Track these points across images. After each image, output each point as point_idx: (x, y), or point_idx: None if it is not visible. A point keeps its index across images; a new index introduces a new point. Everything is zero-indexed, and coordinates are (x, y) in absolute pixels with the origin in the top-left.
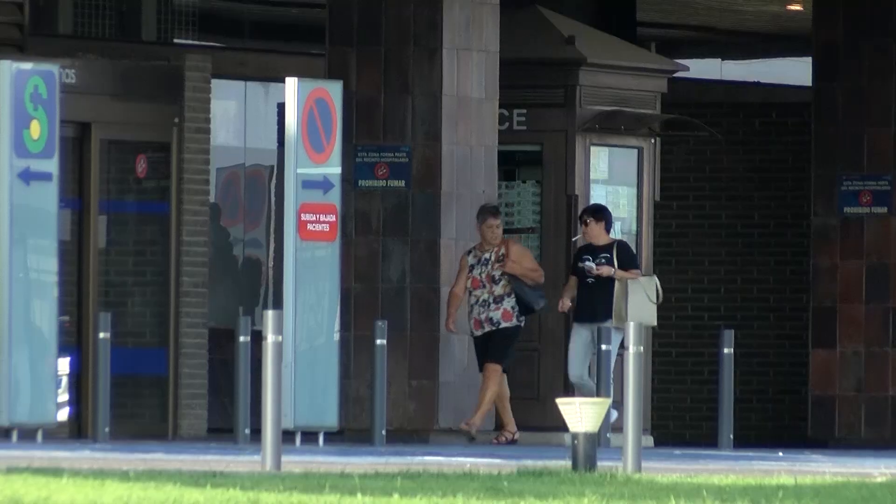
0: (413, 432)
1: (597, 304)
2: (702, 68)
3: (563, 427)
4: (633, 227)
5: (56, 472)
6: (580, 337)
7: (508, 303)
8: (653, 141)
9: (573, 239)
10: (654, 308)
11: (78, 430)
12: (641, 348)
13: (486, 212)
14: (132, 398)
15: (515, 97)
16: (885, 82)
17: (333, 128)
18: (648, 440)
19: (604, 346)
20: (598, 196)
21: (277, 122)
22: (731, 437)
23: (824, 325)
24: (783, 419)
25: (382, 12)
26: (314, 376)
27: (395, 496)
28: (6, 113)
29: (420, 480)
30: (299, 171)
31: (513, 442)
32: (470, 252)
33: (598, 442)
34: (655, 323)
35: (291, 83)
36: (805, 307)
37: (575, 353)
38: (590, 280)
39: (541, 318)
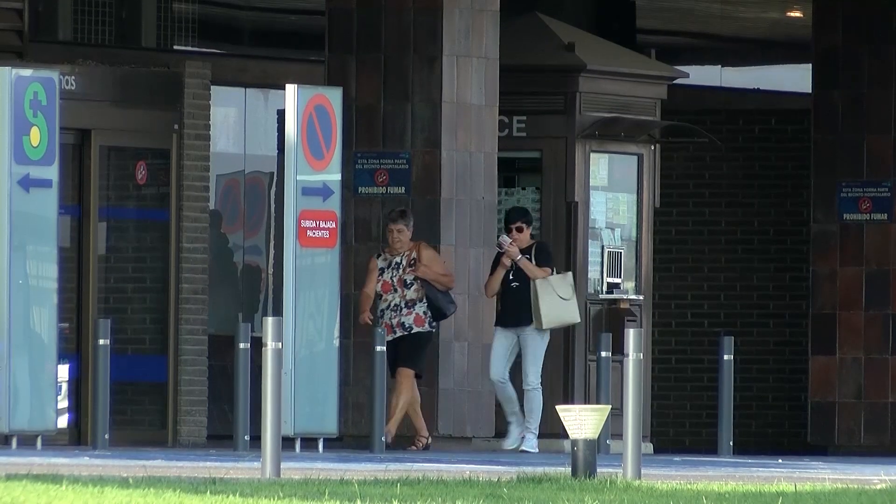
0: (413, 439)
1: (520, 309)
2: (701, 75)
3: (562, 434)
4: (633, 234)
5: (56, 478)
6: (503, 341)
7: (420, 307)
8: (652, 147)
9: (499, 239)
10: (571, 304)
11: (77, 437)
12: (641, 355)
13: (390, 216)
14: (132, 405)
15: (515, 104)
16: (885, 89)
17: (333, 134)
18: (648, 447)
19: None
20: (598, 202)
21: (277, 129)
22: (731, 443)
23: (824, 332)
24: (783, 426)
25: (382, 19)
26: (314, 383)
27: (395, 503)
28: (6, 120)
29: (420, 487)
30: (299, 177)
31: (427, 447)
32: (380, 255)
33: (597, 448)
34: (578, 319)
35: (291, 90)
36: (805, 314)
37: (497, 356)
38: (514, 284)
39: None
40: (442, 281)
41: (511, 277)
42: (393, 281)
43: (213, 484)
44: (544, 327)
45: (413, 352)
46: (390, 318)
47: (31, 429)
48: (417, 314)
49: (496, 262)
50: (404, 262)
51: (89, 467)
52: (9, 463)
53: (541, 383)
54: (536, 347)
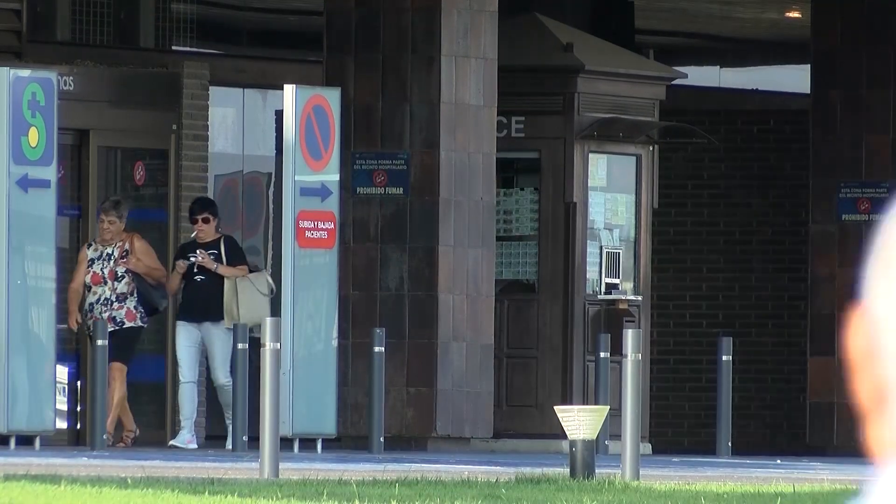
0: (411, 439)
1: (207, 302)
2: (700, 76)
3: (561, 434)
4: (632, 235)
5: (54, 479)
6: (186, 339)
7: (131, 302)
8: (651, 148)
9: (190, 259)
10: (268, 303)
11: (76, 438)
12: (639, 355)
13: (102, 206)
14: (130, 405)
15: (514, 104)
16: (884, 90)
17: (331, 135)
18: (646, 447)
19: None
20: (596, 203)
21: (275, 130)
22: (730, 444)
23: (822, 333)
24: (781, 426)
25: (380, 19)
26: (312, 383)
27: (394, 503)
28: (4, 120)
29: (418, 488)
30: (297, 178)
31: (135, 439)
32: (90, 245)
33: (596, 449)
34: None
35: (289, 90)
36: (803, 314)
37: (184, 357)
38: (198, 278)
39: (539, 325)
40: (154, 275)
41: (196, 271)
42: (103, 273)
43: (211, 484)
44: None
45: (124, 347)
46: (100, 313)
47: (30, 429)
48: (129, 309)
49: (177, 260)
50: (116, 254)
51: (88, 468)
52: (7, 463)
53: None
54: (224, 344)
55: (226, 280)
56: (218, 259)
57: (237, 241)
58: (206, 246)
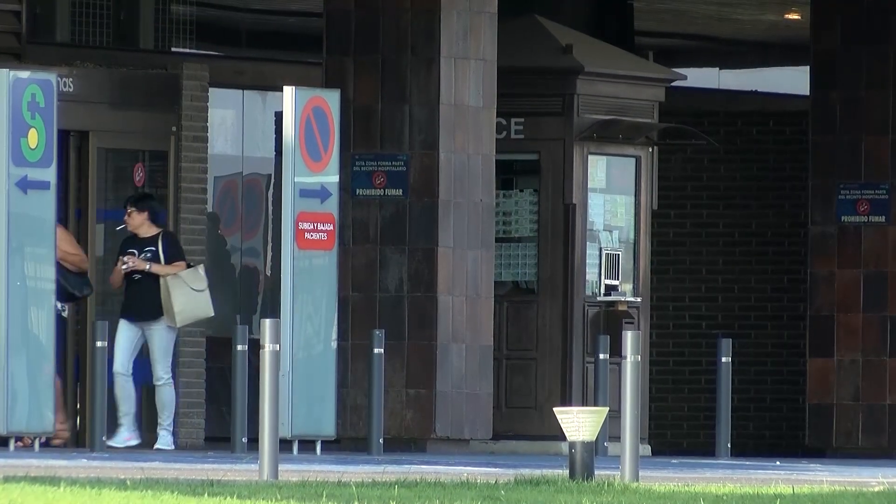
0: (410, 441)
1: (144, 301)
2: (699, 77)
3: (560, 436)
4: (631, 236)
5: (53, 480)
6: (126, 333)
7: None
8: (650, 150)
9: (117, 228)
10: (204, 296)
11: (76, 439)
12: (639, 357)
13: None
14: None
15: (513, 106)
16: (883, 91)
17: (331, 136)
18: (646, 449)
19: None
20: (596, 204)
21: (275, 131)
22: (729, 445)
23: (822, 334)
24: (781, 428)
25: (380, 21)
26: (311, 385)
27: None
28: (4, 121)
29: (417, 489)
30: (297, 179)
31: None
32: None
33: (595, 451)
34: (212, 313)
35: (289, 92)
36: (803, 316)
37: (121, 349)
38: (136, 276)
39: (538, 326)
40: (70, 260)
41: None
42: None
43: (210, 486)
44: (178, 325)
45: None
46: None
47: (29, 430)
48: None
49: (119, 255)
50: None
51: (87, 469)
52: (6, 465)
53: (172, 377)
54: (163, 340)
55: (161, 279)
56: (156, 255)
57: (175, 238)
58: (145, 242)
